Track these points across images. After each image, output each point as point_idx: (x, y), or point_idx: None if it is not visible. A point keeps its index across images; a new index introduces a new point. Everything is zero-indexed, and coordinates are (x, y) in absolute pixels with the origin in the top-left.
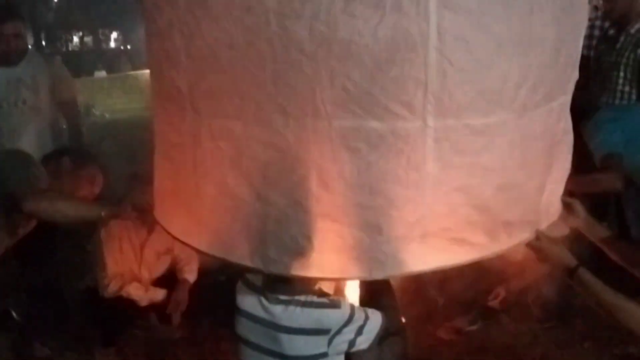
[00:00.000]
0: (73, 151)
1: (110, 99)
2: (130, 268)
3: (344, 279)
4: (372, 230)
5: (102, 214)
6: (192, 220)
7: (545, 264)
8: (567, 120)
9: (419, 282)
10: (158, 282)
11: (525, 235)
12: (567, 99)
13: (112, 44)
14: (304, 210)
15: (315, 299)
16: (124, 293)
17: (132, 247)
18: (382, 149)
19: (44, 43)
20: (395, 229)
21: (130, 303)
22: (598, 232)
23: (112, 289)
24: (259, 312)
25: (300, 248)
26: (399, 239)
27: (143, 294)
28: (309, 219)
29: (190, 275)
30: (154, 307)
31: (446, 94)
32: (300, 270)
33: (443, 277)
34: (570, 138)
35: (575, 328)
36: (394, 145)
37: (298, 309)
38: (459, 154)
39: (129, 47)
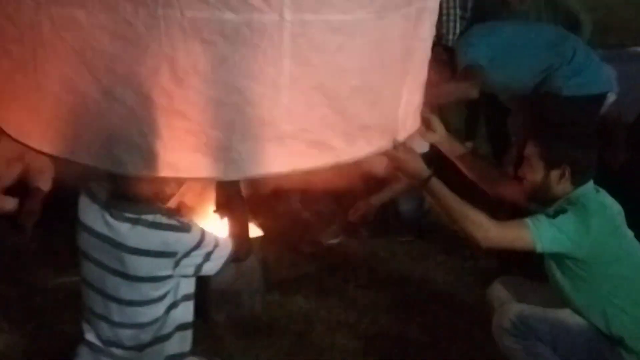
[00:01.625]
0: None
1: None
2: None
3: (197, 179)
4: (226, 128)
5: None
6: (35, 120)
7: (402, 176)
8: (426, 27)
9: (281, 193)
10: (9, 192)
11: (384, 143)
12: (426, 4)
13: None
14: (154, 107)
15: (163, 219)
16: None
17: None
18: (238, 43)
19: None
20: (251, 128)
21: None
22: (455, 149)
23: None
24: (102, 228)
25: (150, 147)
26: (255, 139)
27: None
28: (160, 116)
29: (44, 184)
30: (4, 216)
31: None
32: (150, 171)
33: (305, 190)
34: (427, 46)
35: (432, 243)
36: (250, 39)
37: (145, 229)
38: (316, 51)
39: None
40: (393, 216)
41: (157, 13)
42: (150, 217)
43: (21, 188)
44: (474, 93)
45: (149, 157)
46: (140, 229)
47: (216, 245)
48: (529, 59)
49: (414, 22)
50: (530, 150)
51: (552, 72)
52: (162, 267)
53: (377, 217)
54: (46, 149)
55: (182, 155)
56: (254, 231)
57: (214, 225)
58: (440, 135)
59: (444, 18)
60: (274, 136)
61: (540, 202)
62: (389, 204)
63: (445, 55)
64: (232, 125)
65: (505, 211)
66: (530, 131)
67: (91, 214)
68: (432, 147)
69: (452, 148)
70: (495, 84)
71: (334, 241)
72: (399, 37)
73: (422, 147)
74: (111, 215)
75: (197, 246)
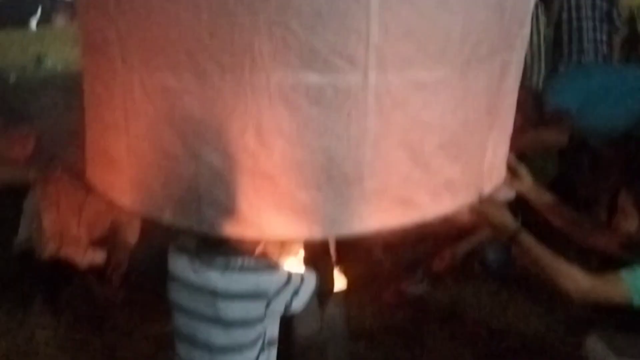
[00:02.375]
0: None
1: (66, 49)
2: (69, 228)
3: (283, 240)
4: (311, 189)
5: (31, 177)
6: (124, 179)
7: (488, 227)
8: (511, 79)
9: (363, 243)
10: (98, 244)
11: (469, 197)
12: (512, 55)
13: None
14: (240, 168)
15: (252, 262)
16: (62, 254)
17: (70, 207)
18: (322, 104)
19: None
20: (336, 187)
21: (69, 264)
22: (542, 198)
23: (49, 250)
24: (192, 277)
25: (236, 208)
26: (340, 198)
27: (82, 255)
28: (246, 177)
29: (131, 236)
30: (93, 268)
31: (388, 48)
32: (237, 231)
33: (388, 239)
34: (513, 98)
35: (519, 291)
36: (334, 100)
37: (235, 273)
38: (400, 109)
39: None
40: (478, 264)
41: (244, 78)
42: (239, 261)
43: (109, 241)
44: (563, 140)
45: (234, 217)
46: (230, 273)
47: (302, 281)
48: (621, 103)
49: (498, 76)
50: (624, 198)
51: None
52: (254, 309)
53: (462, 266)
54: (135, 208)
55: (268, 216)
56: (339, 281)
57: (298, 265)
58: (527, 184)
59: (528, 57)
60: (359, 195)
61: (636, 252)
62: (474, 252)
63: (531, 98)
64: (317, 185)
65: (598, 262)
66: (623, 178)
67: (180, 264)
68: (519, 195)
69: (540, 197)
70: (585, 129)
71: (419, 291)
72: (483, 91)
73: (508, 195)
74: (201, 262)
75: (286, 284)
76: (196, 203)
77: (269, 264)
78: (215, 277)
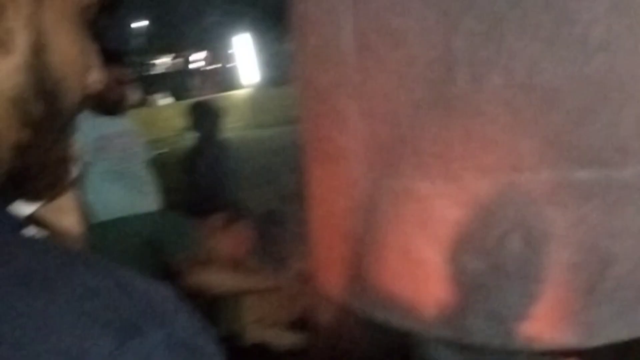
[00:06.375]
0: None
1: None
2: (270, 311)
3: (556, 350)
4: (586, 292)
5: (266, 286)
6: (370, 289)
7: None
8: None
9: None
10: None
11: None
12: None
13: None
14: (505, 274)
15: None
16: (260, 339)
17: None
18: (595, 201)
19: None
20: (613, 289)
21: (266, 349)
22: None
23: (249, 336)
24: None
25: (502, 316)
26: (618, 300)
27: (280, 339)
28: (512, 284)
29: (329, 316)
30: (291, 352)
31: None
32: (504, 340)
33: None
34: None
35: None
36: (608, 196)
37: None
38: None
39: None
40: None
41: (503, 178)
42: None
43: (306, 323)
44: None
45: (501, 327)
46: None
47: None
48: None
49: None
50: None
51: None
52: None
53: None
54: (381, 316)
55: (537, 325)
56: None
57: None
58: None
59: None
60: (634, 297)
61: None
62: None
63: None
64: (591, 288)
65: None
66: None
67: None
68: None
69: None
70: None
71: None
72: None
73: None
74: (477, 356)
75: None
76: (457, 312)
77: None
78: None
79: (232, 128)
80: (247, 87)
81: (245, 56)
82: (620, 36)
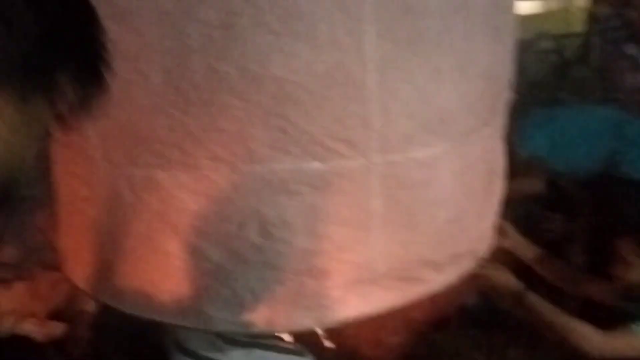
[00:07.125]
0: None
1: None
2: (23, 302)
3: (293, 332)
4: (319, 276)
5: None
6: (115, 278)
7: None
8: (500, 142)
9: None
10: (55, 317)
11: (471, 264)
12: (499, 120)
13: None
14: (243, 262)
15: (279, 342)
16: (18, 331)
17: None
18: (325, 190)
19: None
20: (344, 273)
21: (26, 340)
22: (528, 251)
23: (5, 328)
24: (214, 354)
25: (242, 302)
26: (348, 283)
27: (39, 330)
28: (250, 270)
29: (89, 305)
30: (53, 342)
31: (389, 129)
32: (245, 326)
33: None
34: (503, 161)
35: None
36: (337, 185)
37: (261, 352)
38: (404, 189)
39: None
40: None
41: (241, 169)
42: (266, 340)
43: (67, 312)
44: (540, 187)
45: (241, 313)
46: (257, 352)
47: None
48: (589, 144)
49: (492, 140)
50: (625, 247)
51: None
52: None
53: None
54: (128, 308)
55: (275, 309)
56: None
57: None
58: (512, 239)
59: None
60: (368, 278)
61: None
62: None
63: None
64: (325, 273)
65: (599, 313)
66: (598, 219)
67: (199, 341)
68: (505, 251)
69: (527, 251)
70: (554, 171)
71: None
72: (480, 158)
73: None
74: (223, 340)
75: None
76: (199, 301)
77: (296, 347)
78: (240, 357)
79: None
80: None
81: None
82: (345, 35)
